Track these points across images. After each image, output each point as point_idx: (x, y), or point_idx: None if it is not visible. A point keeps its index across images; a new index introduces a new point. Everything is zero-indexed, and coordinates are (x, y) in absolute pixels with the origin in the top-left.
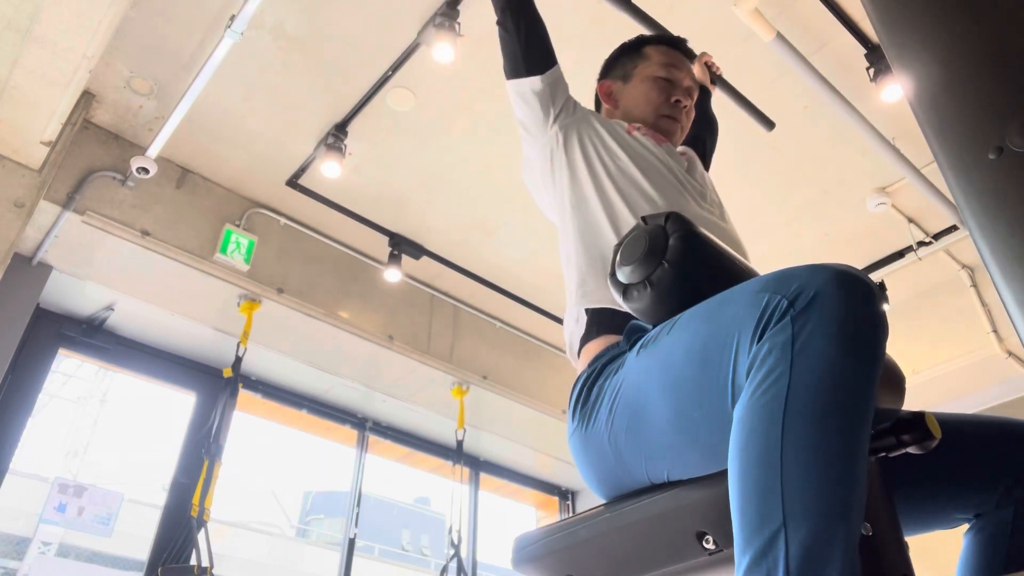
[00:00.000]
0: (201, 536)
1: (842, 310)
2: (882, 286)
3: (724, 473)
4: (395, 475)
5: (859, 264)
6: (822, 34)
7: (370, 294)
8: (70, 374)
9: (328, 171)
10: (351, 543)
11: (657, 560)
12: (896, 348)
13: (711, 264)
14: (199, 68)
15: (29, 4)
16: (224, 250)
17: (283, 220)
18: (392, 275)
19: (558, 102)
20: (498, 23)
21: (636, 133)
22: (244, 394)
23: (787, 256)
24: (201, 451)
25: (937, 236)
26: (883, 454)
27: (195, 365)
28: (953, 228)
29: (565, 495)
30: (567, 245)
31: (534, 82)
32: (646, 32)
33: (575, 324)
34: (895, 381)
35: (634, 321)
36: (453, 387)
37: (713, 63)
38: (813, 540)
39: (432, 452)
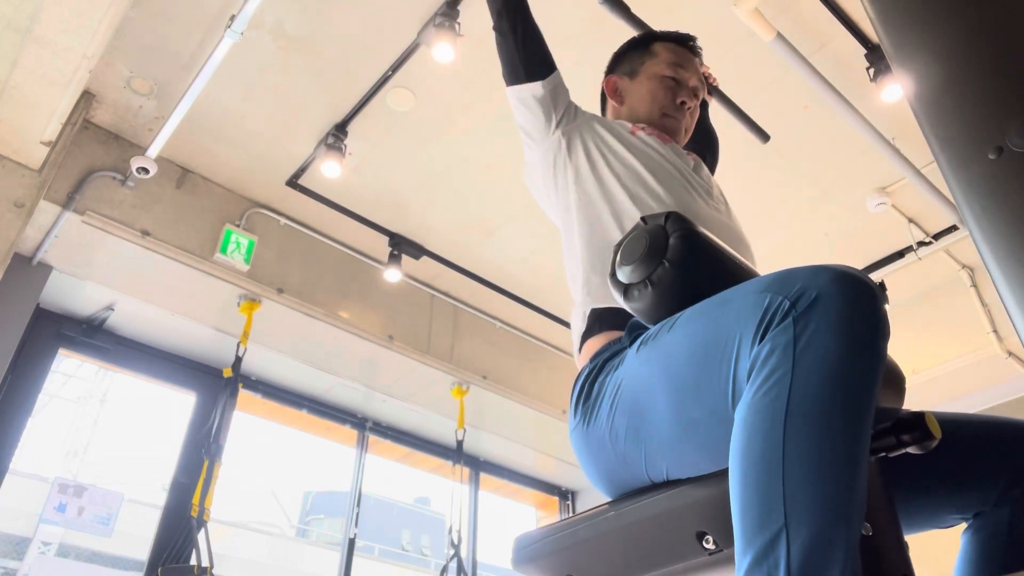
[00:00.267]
0: (201, 536)
1: (844, 311)
2: (882, 286)
3: (724, 473)
4: (395, 475)
5: (859, 264)
6: (822, 34)
7: (370, 294)
8: (70, 374)
9: (328, 171)
10: (351, 543)
11: (657, 560)
12: (896, 348)
13: (711, 263)
14: (199, 68)
15: (29, 4)
16: (224, 250)
17: (283, 220)
18: (392, 275)
19: (560, 107)
20: (495, 29)
21: (640, 133)
22: (244, 394)
23: (787, 256)
24: (201, 451)
25: (937, 236)
26: (883, 454)
27: (195, 365)
28: (953, 228)
29: (565, 495)
30: (572, 246)
31: (535, 88)
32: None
33: (581, 322)
34: (895, 381)
35: (635, 319)
36: (453, 387)
37: (709, 74)
38: (814, 540)
39: (432, 452)
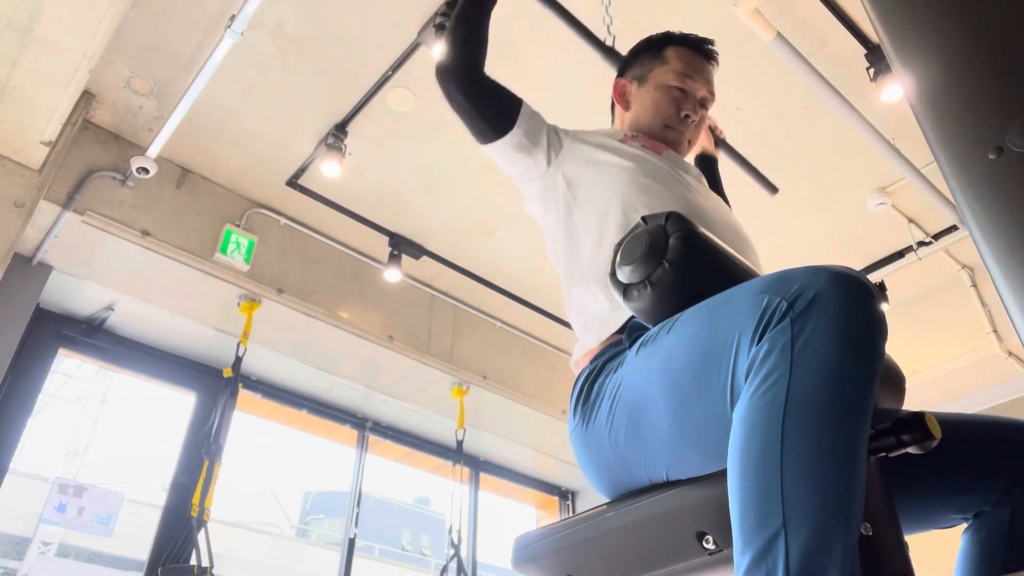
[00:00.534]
0: (201, 536)
1: (842, 311)
2: (882, 286)
3: (724, 473)
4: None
5: (859, 264)
6: (822, 34)
7: (370, 294)
8: (70, 374)
9: (328, 171)
10: (351, 543)
11: (657, 560)
12: (896, 348)
13: (711, 264)
14: (199, 68)
15: (29, 4)
16: (224, 250)
17: (283, 220)
18: (392, 275)
19: (540, 141)
20: (448, 97)
21: (631, 141)
22: (244, 394)
23: (787, 256)
24: (201, 451)
25: (937, 236)
26: (883, 454)
27: (195, 365)
28: (953, 228)
29: (565, 495)
30: (582, 268)
31: (510, 138)
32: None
33: (584, 332)
34: (895, 381)
35: (635, 319)
36: (453, 387)
37: (716, 126)
38: (813, 540)
39: (432, 452)
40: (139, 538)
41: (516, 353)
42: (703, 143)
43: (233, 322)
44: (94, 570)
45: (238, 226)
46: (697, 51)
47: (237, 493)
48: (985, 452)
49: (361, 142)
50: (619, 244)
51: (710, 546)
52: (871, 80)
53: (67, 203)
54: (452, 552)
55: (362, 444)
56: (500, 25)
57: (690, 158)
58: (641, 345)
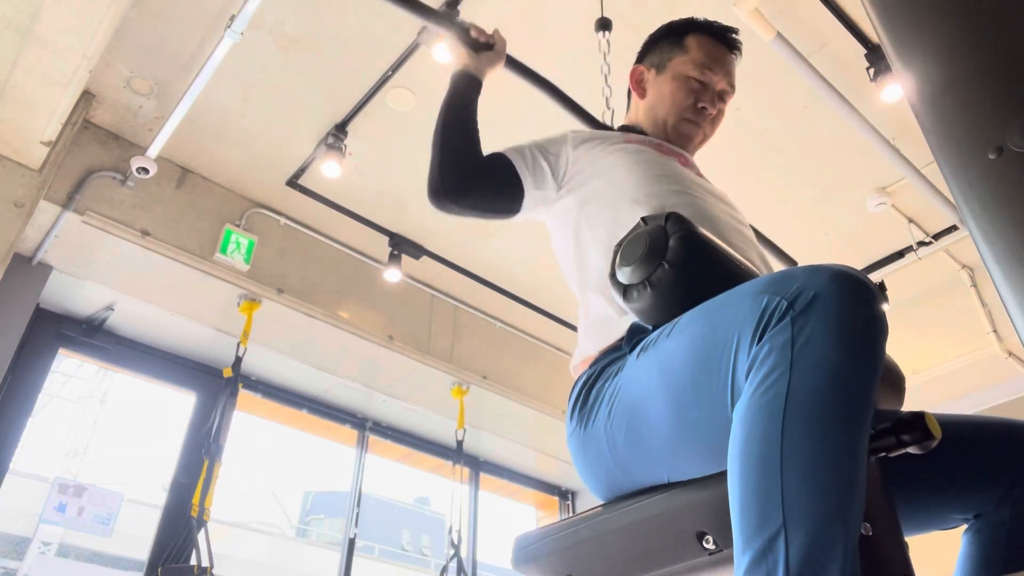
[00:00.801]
0: (201, 536)
1: (842, 311)
2: (882, 286)
3: (724, 473)
4: (395, 475)
5: (859, 264)
6: (822, 34)
7: (370, 294)
8: (70, 374)
9: (328, 171)
10: (351, 543)
11: (657, 560)
12: (896, 348)
13: (711, 264)
14: (199, 68)
15: (29, 4)
16: (224, 250)
17: (283, 220)
18: (392, 275)
19: (547, 180)
20: (448, 209)
21: (635, 143)
22: (244, 394)
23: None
24: (201, 451)
25: (937, 236)
26: (883, 454)
27: (195, 365)
28: (953, 228)
29: (565, 495)
30: (587, 275)
31: (527, 202)
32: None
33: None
34: (895, 381)
35: (634, 323)
36: (453, 387)
37: None
38: (813, 541)
39: (432, 452)
40: (139, 538)
41: (516, 353)
42: None
43: (233, 322)
44: (94, 570)
45: (238, 226)
46: (720, 40)
47: (237, 493)
48: (986, 453)
49: (361, 142)
50: (619, 245)
51: (710, 546)
52: (871, 80)
53: (67, 203)
54: (452, 552)
55: (362, 444)
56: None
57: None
58: (642, 350)
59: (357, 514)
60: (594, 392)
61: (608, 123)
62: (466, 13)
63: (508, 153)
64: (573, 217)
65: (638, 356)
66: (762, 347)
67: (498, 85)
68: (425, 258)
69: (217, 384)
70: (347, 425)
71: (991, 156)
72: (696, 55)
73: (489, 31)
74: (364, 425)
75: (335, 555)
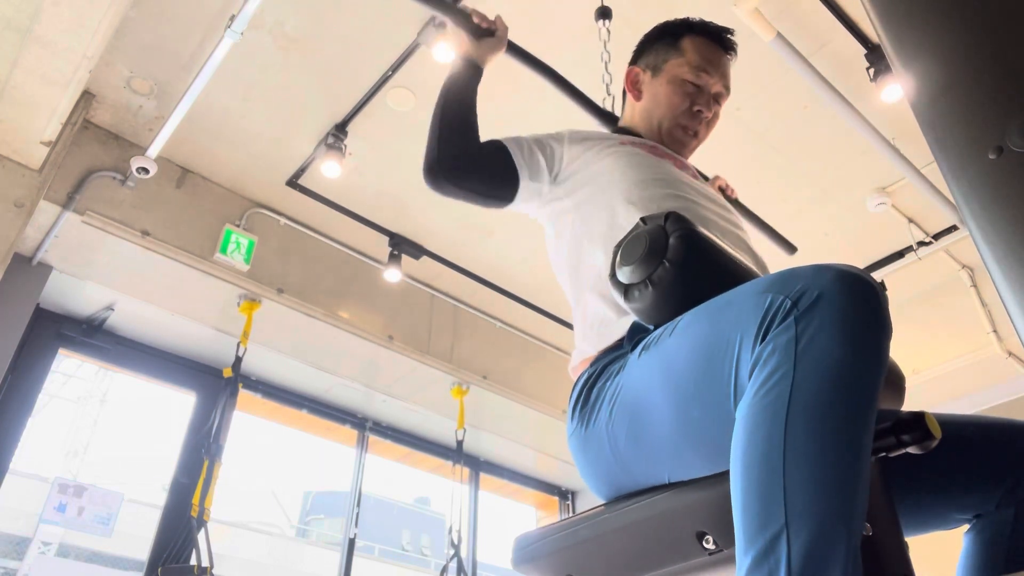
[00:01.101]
0: (201, 536)
1: (846, 310)
2: (882, 286)
3: (724, 473)
4: (395, 475)
5: (859, 264)
6: (822, 34)
7: (370, 294)
8: (70, 374)
9: (328, 171)
10: (351, 543)
11: (657, 560)
12: (896, 348)
13: (711, 263)
14: (199, 68)
15: (29, 4)
16: (224, 250)
17: (283, 220)
18: (392, 275)
19: (542, 169)
20: (443, 191)
21: (629, 144)
22: (244, 394)
23: (787, 256)
24: (201, 451)
25: (937, 236)
26: (883, 454)
27: (195, 365)
28: (953, 228)
29: (565, 495)
30: (581, 276)
31: (522, 193)
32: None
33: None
34: (895, 381)
35: (636, 322)
36: (453, 387)
37: (727, 186)
38: (815, 541)
39: (432, 452)
40: (139, 538)
41: (516, 353)
42: None
43: (233, 322)
44: (94, 570)
45: (238, 226)
46: (716, 42)
47: (237, 493)
48: (987, 453)
49: (361, 142)
50: (619, 244)
51: (710, 546)
52: (871, 80)
53: (67, 203)
54: (452, 552)
55: (362, 444)
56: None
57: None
58: (643, 349)
59: (357, 514)
60: (595, 391)
61: (609, 109)
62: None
63: (506, 142)
64: (569, 219)
65: (640, 355)
66: (765, 346)
67: (497, 84)
68: (425, 258)
69: (217, 384)
70: (347, 425)
71: (991, 156)
72: (692, 57)
73: (491, 17)
74: (364, 425)
75: (335, 555)
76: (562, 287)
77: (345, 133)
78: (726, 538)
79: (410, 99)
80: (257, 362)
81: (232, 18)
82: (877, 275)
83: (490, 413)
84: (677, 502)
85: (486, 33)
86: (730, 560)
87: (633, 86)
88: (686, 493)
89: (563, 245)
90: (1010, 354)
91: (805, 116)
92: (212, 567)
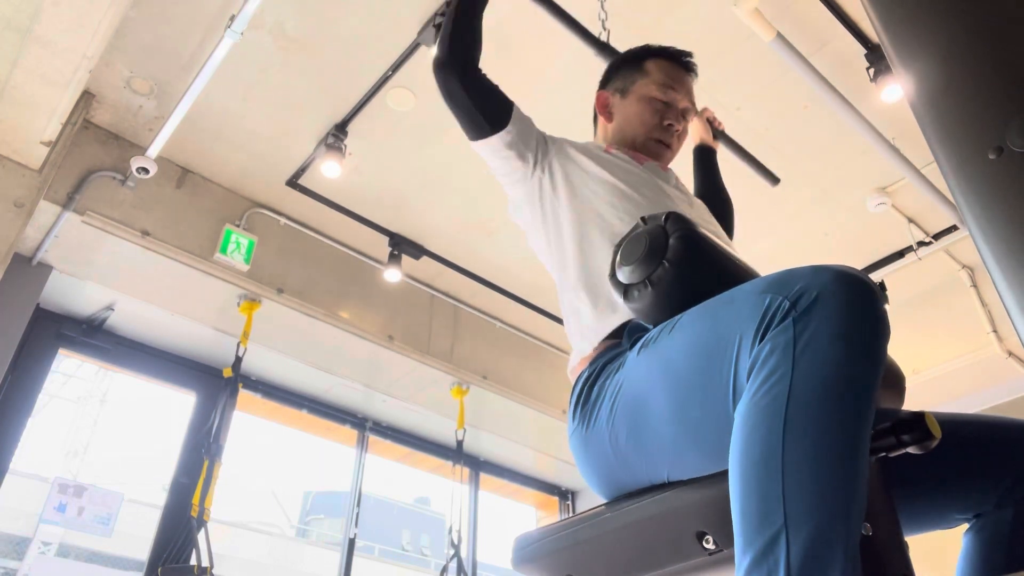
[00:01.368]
0: (201, 536)
1: (844, 311)
2: (882, 286)
3: (724, 473)
4: (395, 475)
5: (859, 264)
6: (822, 34)
7: (370, 294)
8: (70, 374)
9: (328, 171)
10: (351, 543)
11: (657, 560)
12: (896, 348)
13: (711, 264)
14: (199, 68)
15: (29, 4)
16: (224, 250)
17: (283, 220)
18: (392, 275)
19: (530, 142)
20: (444, 91)
21: (614, 151)
22: (244, 394)
23: (787, 256)
24: (201, 451)
25: (937, 236)
26: (883, 454)
27: (195, 365)
28: (953, 228)
29: (565, 495)
30: (565, 271)
31: (502, 136)
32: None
33: (582, 340)
34: (895, 381)
35: (635, 320)
36: (453, 387)
37: (715, 118)
38: (814, 541)
39: (432, 452)
40: (139, 538)
41: (516, 353)
42: (702, 135)
43: (233, 322)
44: (94, 570)
45: (238, 226)
46: (677, 63)
47: (237, 493)
48: (986, 452)
49: (361, 142)
50: (619, 244)
51: (710, 546)
52: (871, 80)
53: (67, 203)
54: (452, 552)
55: (362, 444)
56: (495, 27)
57: (685, 157)
58: (642, 347)
59: (357, 514)
60: (595, 389)
61: (605, 42)
62: None
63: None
64: (551, 212)
65: (639, 352)
66: (764, 347)
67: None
68: (425, 258)
69: (217, 384)
70: (347, 425)
71: (991, 156)
72: (657, 76)
73: None
74: (364, 425)
75: (335, 555)
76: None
77: (345, 133)
78: (726, 538)
79: (410, 99)
80: (257, 362)
81: (232, 18)
82: (877, 275)
83: (490, 413)
84: (677, 502)
85: None
86: (730, 560)
87: (604, 109)
88: (686, 493)
89: (552, 239)
90: (1010, 354)
91: (805, 116)
92: (212, 567)
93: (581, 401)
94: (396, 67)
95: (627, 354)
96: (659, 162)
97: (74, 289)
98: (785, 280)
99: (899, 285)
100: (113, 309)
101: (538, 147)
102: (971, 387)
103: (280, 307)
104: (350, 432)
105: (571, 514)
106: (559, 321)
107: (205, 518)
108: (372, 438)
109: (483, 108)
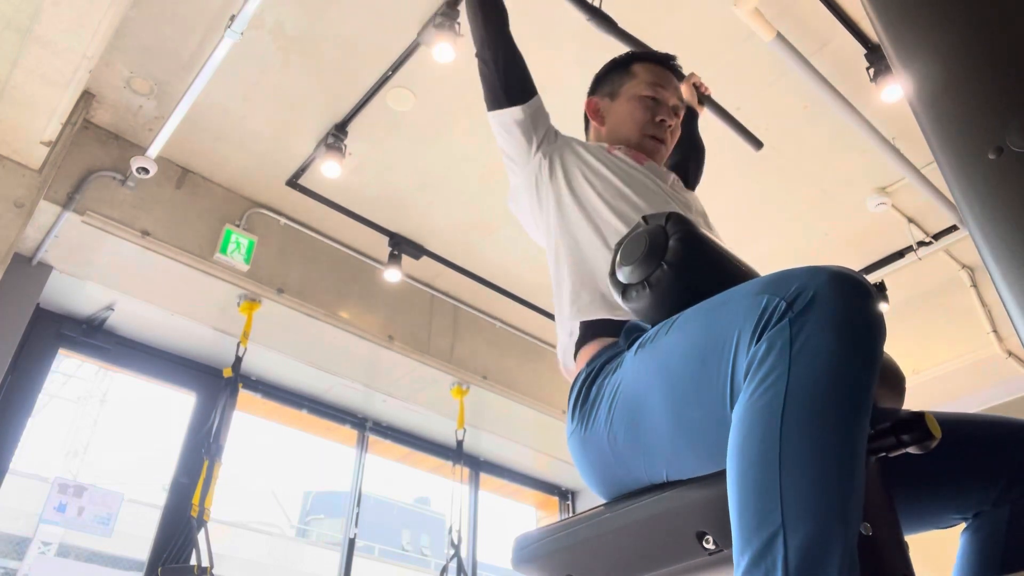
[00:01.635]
0: (201, 536)
1: (840, 311)
2: (882, 286)
3: (724, 473)
4: (395, 475)
5: (859, 264)
6: (822, 34)
7: (370, 294)
8: (70, 374)
9: (328, 171)
10: (351, 543)
11: (657, 560)
12: (896, 348)
13: (710, 265)
14: (199, 68)
15: (29, 4)
16: (224, 250)
17: (283, 220)
18: (392, 275)
19: (540, 130)
20: (477, 56)
21: (617, 152)
22: (244, 394)
23: (787, 256)
24: (201, 451)
25: (937, 236)
26: (883, 454)
27: (195, 365)
28: (953, 228)
29: (565, 495)
30: (559, 265)
31: (515, 112)
32: (643, 33)
33: (569, 337)
34: (895, 381)
35: (632, 320)
36: (453, 387)
37: (701, 83)
38: (812, 540)
39: (432, 452)
40: (139, 538)
41: (516, 353)
42: (688, 99)
43: (233, 322)
44: (94, 570)
45: (238, 226)
46: (663, 65)
47: (237, 493)
48: (984, 452)
49: (361, 142)
50: (619, 244)
51: (710, 546)
52: (871, 80)
53: (67, 203)
54: (452, 552)
55: (362, 444)
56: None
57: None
58: (640, 346)
59: (357, 514)
60: (594, 389)
61: (598, 7)
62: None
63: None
64: (554, 200)
65: (636, 352)
66: (760, 347)
67: None
68: (425, 258)
69: (217, 384)
70: (347, 425)
71: (991, 156)
72: (645, 76)
73: None
74: (364, 425)
75: (335, 555)
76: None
77: (345, 133)
78: (726, 538)
79: (410, 99)
80: (257, 362)
81: (232, 18)
82: (877, 275)
83: (490, 413)
84: (677, 502)
85: None
86: (730, 560)
87: (595, 114)
88: (686, 493)
89: (552, 225)
90: (1010, 354)
91: (805, 116)
92: (212, 567)
93: (580, 401)
94: (396, 67)
95: (625, 354)
96: (655, 160)
97: (74, 289)
98: (781, 280)
99: (899, 285)
100: (113, 309)
101: (546, 136)
102: (971, 387)
103: (280, 307)
104: (350, 432)
105: (571, 514)
106: None
107: (205, 518)
108: (372, 438)
109: (507, 83)
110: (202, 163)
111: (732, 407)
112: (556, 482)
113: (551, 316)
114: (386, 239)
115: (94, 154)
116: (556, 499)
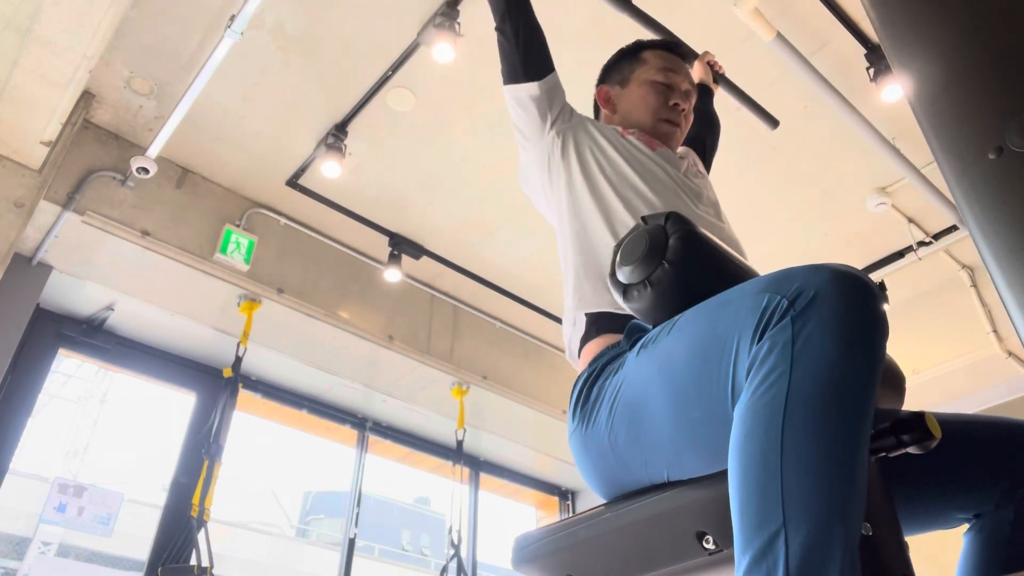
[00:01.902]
0: (201, 536)
1: (842, 310)
2: (882, 286)
3: (724, 473)
4: (395, 475)
5: (859, 264)
6: (822, 34)
7: (370, 294)
8: (70, 374)
9: (328, 171)
10: (351, 543)
11: (657, 560)
12: (896, 348)
13: (711, 264)
14: (199, 68)
15: (29, 4)
16: (224, 250)
17: (283, 220)
18: (392, 275)
19: (555, 108)
20: (497, 29)
21: (630, 137)
22: (244, 394)
23: (787, 256)
24: (201, 451)
25: (937, 236)
26: (883, 454)
27: (195, 365)
28: (953, 228)
29: (565, 495)
30: (564, 249)
31: (532, 87)
32: (645, 31)
33: (572, 328)
34: (895, 381)
35: (634, 321)
36: (453, 387)
37: (715, 62)
38: (813, 540)
39: (432, 452)
40: (139, 538)
41: (516, 353)
42: (702, 77)
43: (233, 322)
44: (94, 570)
45: (238, 226)
46: (673, 51)
47: (237, 493)
48: (986, 452)
49: (361, 142)
50: (619, 244)
51: (710, 546)
52: (871, 80)
53: (67, 203)
54: (452, 552)
55: (362, 444)
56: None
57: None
58: (642, 347)
59: (357, 514)
60: (595, 389)
61: None
62: (465, 13)
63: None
64: (565, 182)
65: (638, 353)
66: (762, 346)
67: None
68: (425, 258)
69: (217, 384)
70: (347, 425)
71: (991, 156)
72: (656, 62)
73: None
74: (364, 425)
75: (335, 555)
76: (559, 265)
77: (345, 133)
78: (726, 538)
79: (410, 99)
80: (257, 362)
81: (232, 18)
82: (877, 275)
83: (490, 413)
84: (677, 502)
85: None
86: (730, 560)
87: (607, 102)
88: (686, 493)
89: (563, 204)
90: (1010, 354)
91: (805, 116)
92: (212, 567)
93: (581, 401)
94: (396, 67)
95: (627, 355)
96: (669, 145)
97: (74, 289)
98: (783, 279)
99: (899, 285)
100: (113, 309)
101: (561, 113)
102: (971, 387)
103: (280, 307)
104: (350, 432)
105: (571, 514)
106: (559, 321)
107: (205, 518)
108: (372, 438)
109: (525, 57)
110: (202, 163)
111: (733, 406)
112: (556, 482)
113: (551, 316)
114: (386, 239)
115: (94, 154)
116: (556, 499)
